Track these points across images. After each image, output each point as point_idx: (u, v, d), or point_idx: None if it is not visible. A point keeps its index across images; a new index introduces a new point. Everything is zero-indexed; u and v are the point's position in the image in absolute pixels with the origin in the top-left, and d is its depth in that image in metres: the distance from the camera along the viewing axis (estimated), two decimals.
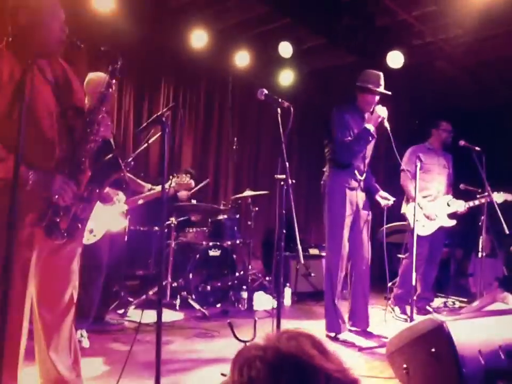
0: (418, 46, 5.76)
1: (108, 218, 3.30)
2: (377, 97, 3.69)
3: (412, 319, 3.56)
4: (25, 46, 1.96)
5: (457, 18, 5.05)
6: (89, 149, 2.05)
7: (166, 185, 2.20)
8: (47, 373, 2.12)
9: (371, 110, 3.69)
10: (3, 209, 1.82)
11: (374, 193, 3.86)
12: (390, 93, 3.69)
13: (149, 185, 3.85)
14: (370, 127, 3.55)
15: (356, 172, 3.67)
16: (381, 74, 3.72)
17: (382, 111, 3.54)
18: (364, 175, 3.75)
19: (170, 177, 3.69)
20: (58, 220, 1.94)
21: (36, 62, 1.92)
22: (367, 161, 3.80)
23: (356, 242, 3.68)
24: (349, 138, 3.60)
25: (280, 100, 2.74)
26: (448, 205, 4.63)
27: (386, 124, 3.52)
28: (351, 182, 3.65)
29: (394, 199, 3.86)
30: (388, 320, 4.20)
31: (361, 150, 3.68)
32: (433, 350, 2.39)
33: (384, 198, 3.81)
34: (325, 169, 3.79)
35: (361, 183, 3.72)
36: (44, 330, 2.08)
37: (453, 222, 4.65)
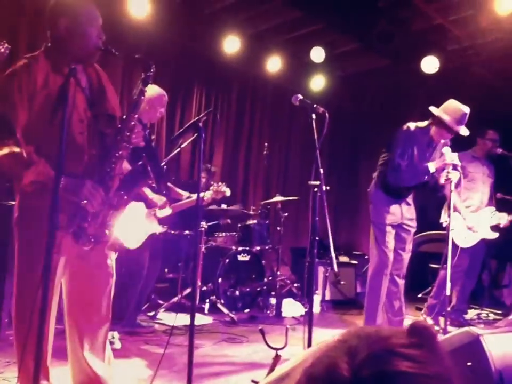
0: (454, 51, 5.64)
1: (149, 223, 3.35)
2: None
3: (445, 331, 3.46)
4: (62, 53, 2.00)
5: (494, 22, 4.93)
6: (119, 156, 2.05)
7: (202, 194, 2.20)
8: (81, 372, 2.14)
9: (441, 142, 3.59)
10: (34, 212, 1.86)
11: None
12: (468, 133, 3.52)
13: (187, 193, 3.89)
14: (432, 168, 3.44)
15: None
16: (467, 112, 3.46)
17: (454, 157, 3.34)
18: (411, 190, 3.68)
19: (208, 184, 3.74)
20: (86, 226, 1.94)
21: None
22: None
23: (395, 254, 3.63)
24: (404, 164, 3.47)
25: (315, 105, 2.71)
26: (491, 216, 4.49)
27: (455, 176, 3.31)
28: (397, 195, 3.61)
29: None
30: None
31: (410, 184, 3.58)
32: (469, 364, 2.31)
33: None
34: (374, 175, 3.73)
35: (408, 197, 3.68)
36: (79, 333, 2.10)
37: (495, 235, 4.48)
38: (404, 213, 3.63)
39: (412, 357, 0.60)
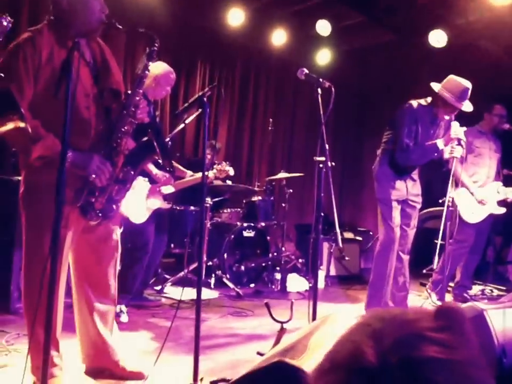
0: (462, 25, 5.53)
1: (153, 198, 3.36)
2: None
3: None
4: (66, 26, 1.97)
5: None
6: (125, 131, 2.05)
7: (207, 172, 2.20)
8: (89, 343, 2.19)
9: (445, 118, 3.55)
10: (42, 187, 1.87)
11: None
12: (471, 109, 3.48)
13: (190, 172, 3.90)
14: (441, 145, 3.41)
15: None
16: (469, 87, 3.42)
17: (459, 132, 3.33)
18: (417, 167, 3.67)
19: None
20: (93, 200, 1.96)
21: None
22: None
23: (400, 230, 3.64)
24: (411, 143, 3.46)
25: (321, 79, 2.68)
26: (498, 191, 4.47)
27: (458, 151, 3.33)
28: (402, 171, 3.59)
29: None
30: (424, 307, 4.15)
31: (420, 163, 3.57)
32: None
33: None
34: (378, 152, 3.71)
35: (413, 173, 3.66)
36: (88, 304, 2.15)
37: (502, 210, 4.45)
38: (409, 188, 3.62)
39: (441, 341, 0.56)
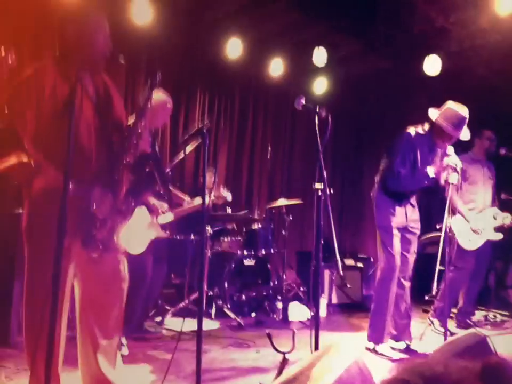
0: (456, 52, 5.64)
1: (151, 228, 3.36)
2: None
3: (451, 333, 3.46)
4: (70, 61, 2.01)
5: (495, 23, 4.94)
6: (127, 163, 2.07)
7: (206, 199, 2.21)
8: (92, 378, 2.16)
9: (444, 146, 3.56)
10: (44, 219, 1.88)
11: None
12: (469, 137, 3.55)
13: (188, 198, 3.89)
14: (431, 173, 3.43)
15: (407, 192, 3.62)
16: (467, 116, 3.45)
17: (452, 161, 3.34)
18: (415, 192, 3.67)
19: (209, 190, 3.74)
20: (94, 232, 1.96)
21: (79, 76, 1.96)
22: None
23: (401, 256, 3.63)
24: (404, 171, 3.47)
25: (317, 109, 2.72)
26: (495, 217, 4.49)
27: (454, 178, 3.31)
28: (400, 198, 3.59)
29: None
30: (426, 334, 4.10)
31: (411, 189, 3.58)
32: None
33: None
34: (376, 180, 3.72)
35: (412, 199, 3.67)
36: (92, 338, 2.12)
37: (500, 236, 4.47)
38: (408, 215, 3.63)
39: None
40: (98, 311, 2.13)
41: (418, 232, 3.71)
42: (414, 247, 3.69)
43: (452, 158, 3.37)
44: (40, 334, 1.67)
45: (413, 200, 3.69)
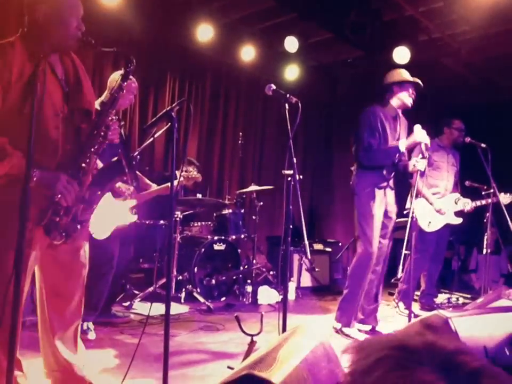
0: (425, 42, 5.73)
1: (118, 213, 3.31)
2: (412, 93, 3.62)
3: (415, 315, 3.57)
4: (40, 40, 1.92)
5: (464, 14, 5.03)
6: (94, 151, 2.02)
7: (175, 182, 2.19)
8: (53, 362, 2.14)
9: (406, 106, 3.65)
10: (7, 205, 1.83)
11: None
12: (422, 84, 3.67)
13: (155, 185, 3.80)
14: (403, 147, 3.48)
15: (385, 171, 3.60)
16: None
17: (421, 136, 3.42)
18: (393, 173, 3.68)
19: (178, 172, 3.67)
20: (58, 220, 1.91)
21: (47, 58, 1.87)
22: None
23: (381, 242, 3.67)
24: (375, 143, 3.51)
25: (288, 95, 2.73)
26: (456, 202, 4.64)
27: (425, 153, 3.40)
28: (380, 182, 3.60)
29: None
30: (391, 316, 4.22)
31: (384, 163, 3.59)
32: None
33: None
34: (352, 168, 3.72)
35: (390, 182, 3.67)
36: (51, 323, 2.10)
37: (459, 220, 4.65)
38: (388, 198, 3.64)
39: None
40: (58, 297, 2.10)
41: (394, 216, 3.73)
42: (389, 232, 3.71)
43: (423, 134, 3.43)
44: (2, 321, 1.64)
45: (391, 183, 3.71)
